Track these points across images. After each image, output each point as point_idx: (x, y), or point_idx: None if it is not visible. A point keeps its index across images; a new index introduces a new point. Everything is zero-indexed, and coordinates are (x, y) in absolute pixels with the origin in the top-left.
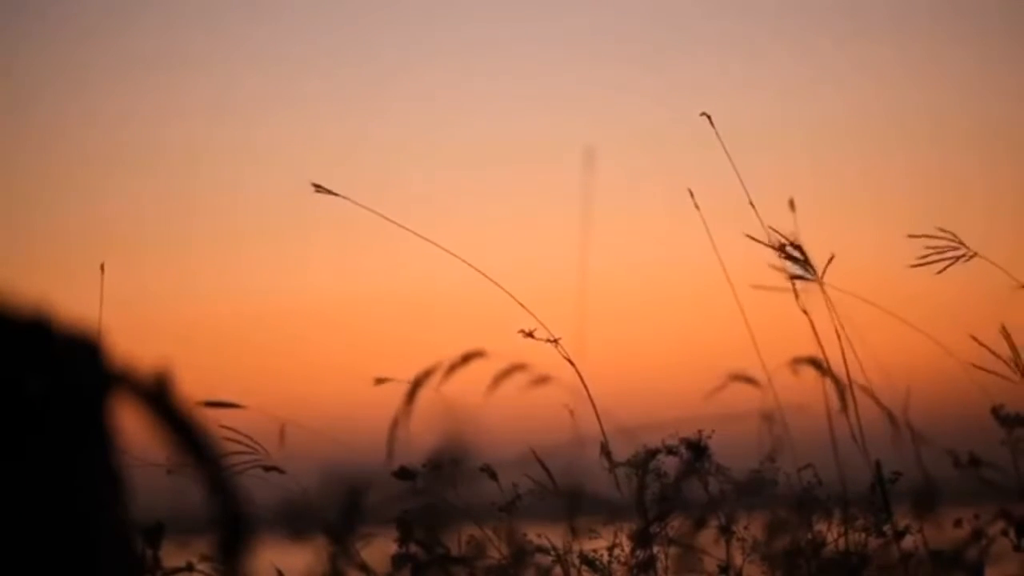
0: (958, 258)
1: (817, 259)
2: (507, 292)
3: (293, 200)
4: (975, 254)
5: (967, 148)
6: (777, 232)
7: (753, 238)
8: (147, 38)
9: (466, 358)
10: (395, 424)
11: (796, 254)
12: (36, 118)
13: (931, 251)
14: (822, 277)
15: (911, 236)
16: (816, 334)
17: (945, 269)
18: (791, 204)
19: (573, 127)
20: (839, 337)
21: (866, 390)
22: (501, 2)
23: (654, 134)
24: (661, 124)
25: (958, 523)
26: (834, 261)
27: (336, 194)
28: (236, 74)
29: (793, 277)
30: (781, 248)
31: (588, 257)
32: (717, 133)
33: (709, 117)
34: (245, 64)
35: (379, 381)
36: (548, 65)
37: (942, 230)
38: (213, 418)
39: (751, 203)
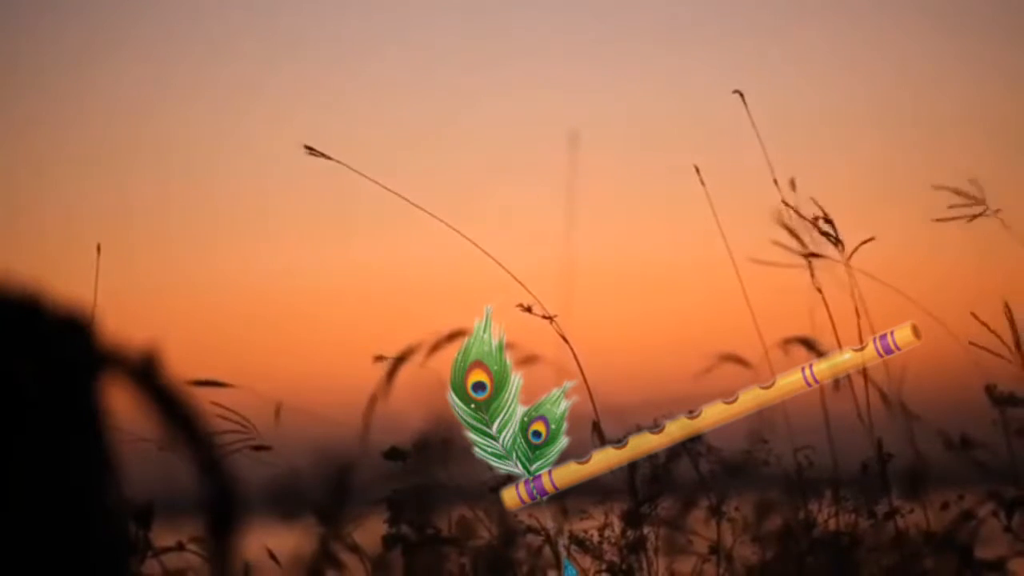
0: (980, 213)
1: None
2: (504, 268)
3: (286, 177)
4: (999, 210)
5: (982, 135)
6: (817, 204)
7: (791, 206)
8: (143, 23)
9: (451, 336)
10: (373, 401)
11: (829, 229)
12: (33, 102)
13: (957, 204)
14: (849, 257)
15: (936, 187)
16: (829, 313)
17: (972, 220)
18: (792, 184)
19: (566, 108)
20: (858, 315)
21: (865, 371)
22: None
23: (650, 115)
24: (661, 105)
25: (945, 506)
26: (845, 241)
27: (329, 157)
28: (233, 57)
29: (808, 255)
30: (815, 221)
31: (580, 237)
32: (748, 111)
33: (742, 95)
34: (240, 48)
35: (378, 359)
36: (548, 46)
37: (972, 181)
38: (203, 397)
39: (775, 181)
